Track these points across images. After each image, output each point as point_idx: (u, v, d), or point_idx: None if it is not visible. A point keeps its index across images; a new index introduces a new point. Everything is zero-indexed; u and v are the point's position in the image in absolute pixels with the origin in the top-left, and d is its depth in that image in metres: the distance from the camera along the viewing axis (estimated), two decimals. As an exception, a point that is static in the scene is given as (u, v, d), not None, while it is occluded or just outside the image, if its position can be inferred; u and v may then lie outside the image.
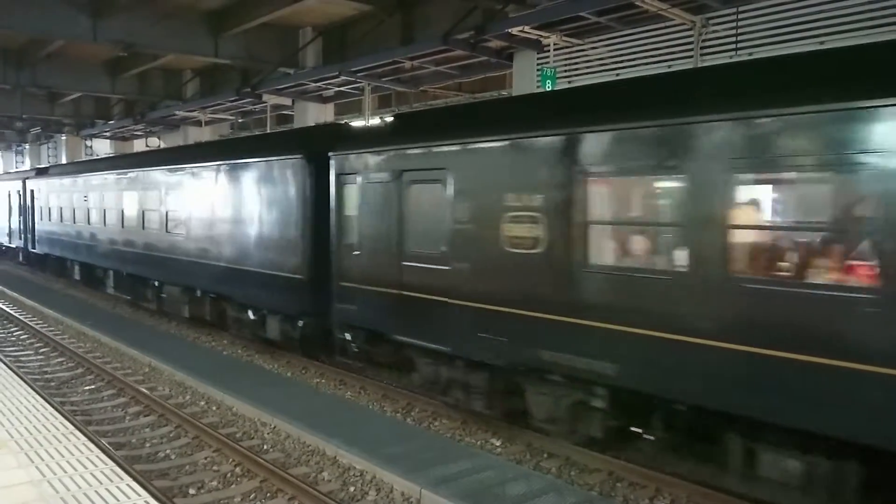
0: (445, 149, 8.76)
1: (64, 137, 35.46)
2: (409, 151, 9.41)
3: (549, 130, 7.54)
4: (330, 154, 10.74)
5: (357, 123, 12.73)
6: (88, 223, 20.91)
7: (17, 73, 22.73)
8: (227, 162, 13.67)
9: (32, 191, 26.44)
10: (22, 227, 27.92)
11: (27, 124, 32.99)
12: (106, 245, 19.60)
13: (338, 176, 10.66)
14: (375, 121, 12.40)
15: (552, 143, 7.52)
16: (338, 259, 10.69)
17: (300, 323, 11.88)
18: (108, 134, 31.78)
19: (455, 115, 10.80)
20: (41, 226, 25.62)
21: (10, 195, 29.54)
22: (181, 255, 15.31)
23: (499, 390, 8.53)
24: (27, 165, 42.91)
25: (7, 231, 30.31)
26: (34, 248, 26.54)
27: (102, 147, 35.30)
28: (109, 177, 19.51)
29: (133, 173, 18.06)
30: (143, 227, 17.21)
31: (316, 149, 11.20)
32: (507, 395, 8.48)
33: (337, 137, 11.29)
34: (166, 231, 16.01)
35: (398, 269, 9.43)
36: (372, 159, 9.99)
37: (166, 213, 16.03)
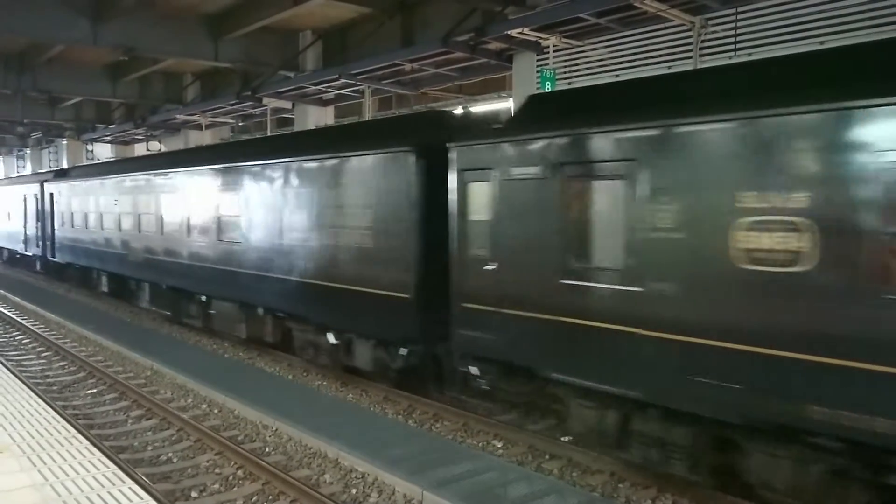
0: (635, 134, 6.78)
1: (65, 142, 35.52)
2: (574, 139, 7.39)
3: (836, 103, 5.44)
4: (449, 145, 8.85)
5: (480, 108, 10.96)
6: (119, 230, 18.85)
7: (18, 78, 22.78)
8: (305, 158, 11.58)
9: (52, 194, 24.42)
10: (40, 233, 25.60)
11: (28, 129, 33.07)
12: (141, 254, 17.57)
13: (461, 172, 8.72)
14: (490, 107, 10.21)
15: (839, 119, 5.45)
16: (460, 275, 8.75)
17: (402, 351, 9.89)
18: (108, 138, 31.82)
19: (648, 90, 8.04)
20: (62, 232, 23.54)
21: (25, 199, 27.38)
22: (238, 267, 13.30)
23: (707, 449, 6.68)
24: (28, 170, 42.98)
25: (22, 238, 27.90)
26: (53, 257, 24.52)
27: (103, 151, 35.36)
28: (146, 178, 17.38)
29: (176, 174, 15.90)
30: (189, 235, 15.14)
31: (427, 140, 9.40)
32: (718, 454, 6.70)
33: (454, 125, 9.63)
34: (219, 239, 14.01)
35: (555, 289, 7.49)
36: (514, 150, 8.06)
37: (219, 218, 13.98)
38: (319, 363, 11.82)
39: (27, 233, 27.36)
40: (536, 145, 7.81)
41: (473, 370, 8.77)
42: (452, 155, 8.83)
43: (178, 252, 15.69)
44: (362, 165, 10.45)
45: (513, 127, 8.48)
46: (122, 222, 18.81)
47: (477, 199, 8.57)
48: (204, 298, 14.92)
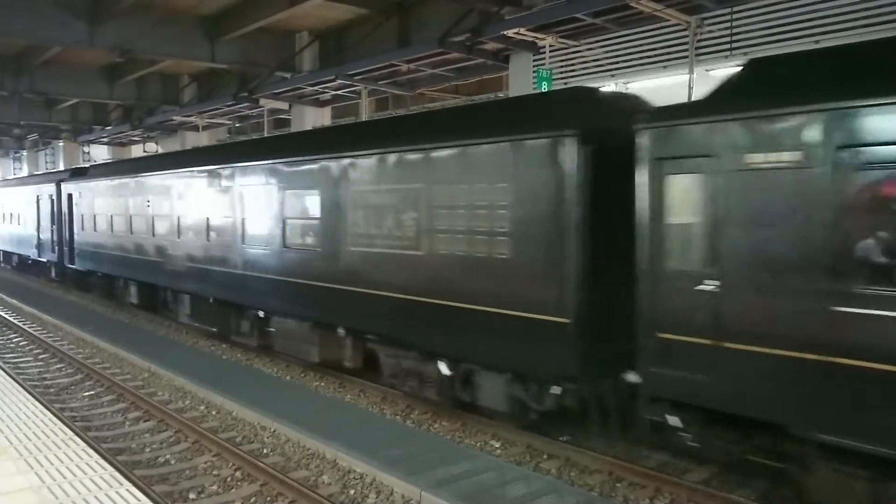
0: None
1: (61, 143, 35.56)
2: (867, 113, 5.43)
3: None
4: (638, 127, 6.95)
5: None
6: (154, 235, 16.73)
7: (15, 80, 22.83)
8: (411, 148, 9.52)
9: (70, 195, 22.19)
10: (55, 238, 23.33)
11: (25, 131, 33.12)
12: (181, 262, 15.48)
13: (656, 161, 6.81)
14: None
15: None
16: (653, 295, 6.86)
17: (554, 389, 7.90)
18: (105, 139, 31.85)
19: None
20: (82, 237, 21.24)
21: (38, 201, 24.97)
22: (313, 279, 11.28)
23: None
24: (25, 172, 43.01)
25: (35, 242, 25.45)
26: (72, 264, 22.23)
27: (100, 153, 35.37)
28: (188, 176, 15.35)
29: (226, 170, 13.76)
30: (244, 241, 13.08)
31: (592, 121, 7.66)
32: None
33: (626, 105, 8.07)
34: (285, 246, 11.99)
35: (824, 320, 5.66)
36: (750, 130, 6.13)
37: (286, 221, 11.99)
38: (423, 396, 9.80)
39: (41, 237, 24.95)
40: (792, 123, 5.85)
41: (673, 420, 6.89)
42: (642, 140, 6.89)
43: (229, 260, 13.61)
44: (496, 155, 8.38)
45: (736, 101, 6.36)
46: (157, 226, 16.66)
47: (683, 195, 6.70)
48: (262, 314, 12.96)
